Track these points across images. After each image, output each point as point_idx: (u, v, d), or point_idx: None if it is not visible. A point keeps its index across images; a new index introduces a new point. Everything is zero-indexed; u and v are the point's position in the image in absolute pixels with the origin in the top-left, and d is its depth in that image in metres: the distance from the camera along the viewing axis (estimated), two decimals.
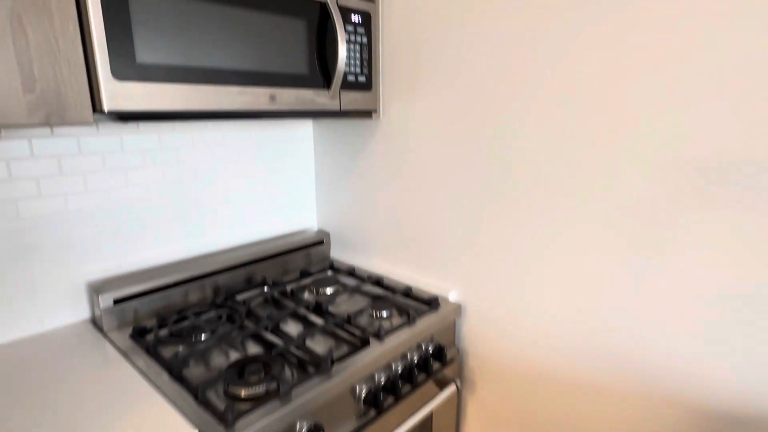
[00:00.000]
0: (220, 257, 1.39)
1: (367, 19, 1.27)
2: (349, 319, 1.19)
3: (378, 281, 1.45)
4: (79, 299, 1.19)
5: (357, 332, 1.16)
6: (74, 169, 1.14)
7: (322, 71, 1.18)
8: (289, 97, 1.11)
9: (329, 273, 1.59)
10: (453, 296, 1.36)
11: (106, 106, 0.84)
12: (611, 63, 0.96)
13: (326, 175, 1.67)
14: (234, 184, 1.48)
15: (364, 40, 1.27)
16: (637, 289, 1.00)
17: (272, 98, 1.08)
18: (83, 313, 1.20)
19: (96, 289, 1.15)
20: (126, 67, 0.85)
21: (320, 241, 1.64)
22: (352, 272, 1.53)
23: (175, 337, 1.11)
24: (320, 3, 1.14)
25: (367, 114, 1.38)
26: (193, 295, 1.33)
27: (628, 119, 0.95)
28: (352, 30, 1.23)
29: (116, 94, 0.84)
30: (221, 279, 1.38)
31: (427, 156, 1.34)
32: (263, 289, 1.44)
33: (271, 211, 1.60)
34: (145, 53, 0.87)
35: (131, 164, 1.24)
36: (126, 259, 1.27)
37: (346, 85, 1.25)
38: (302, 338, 1.09)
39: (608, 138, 0.99)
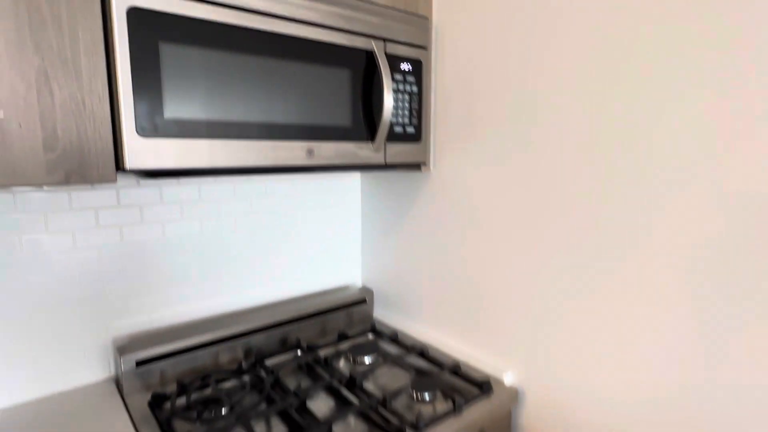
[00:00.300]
0: (255, 315, 1.31)
1: (418, 67, 1.18)
2: (385, 402, 1.04)
3: (423, 352, 1.28)
4: (105, 356, 1.14)
5: (393, 419, 1.00)
6: (111, 222, 1.12)
7: (366, 123, 1.09)
8: (328, 150, 1.03)
9: (370, 336, 1.45)
10: (509, 378, 1.16)
11: (130, 164, 0.78)
12: (687, 94, 0.78)
13: (373, 227, 1.56)
14: (275, 235, 1.41)
15: (414, 89, 1.18)
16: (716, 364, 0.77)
17: (310, 152, 1.00)
18: (109, 370, 1.15)
19: (120, 348, 1.10)
20: (153, 124, 0.80)
21: (362, 300, 1.52)
22: (395, 338, 1.38)
23: (194, 409, 1.01)
24: (366, 51, 1.06)
25: (415, 167, 1.27)
26: (223, 356, 1.24)
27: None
28: (401, 79, 1.14)
29: (141, 151, 0.79)
30: (254, 340, 1.29)
31: (484, 213, 1.19)
32: (296, 353, 1.33)
33: (313, 264, 1.51)
34: (174, 108, 0.82)
35: (169, 216, 1.20)
36: (157, 313, 1.21)
37: (393, 136, 1.15)
38: (329, 425, 0.95)
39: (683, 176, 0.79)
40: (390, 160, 1.15)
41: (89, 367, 1.12)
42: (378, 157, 1.12)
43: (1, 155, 0.69)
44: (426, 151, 1.24)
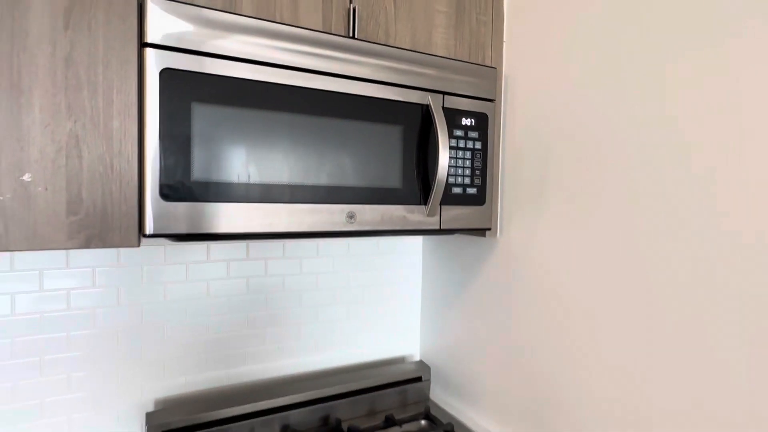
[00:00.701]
0: (297, 386, 1.19)
1: (483, 122, 1.05)
2: None
3: None
4: (139, 417, 1.09)
5: None
6: (156, 279, 1.10)
7: (419, 184, 0.97)
8: (372, 215, 0.92)
9: (422, 423, 1.25)
10: None
11: (152, 229, 0.74)
12: None
13: (434, 294, 1.40)
14: (325, 298, 1.31)
15: (477, 145, 1.04)
16: None
17: (350, 217, 0.90)
18: None
19: (149, 415, 1.04)
20: (179, 187, 0.75)
21: (418, 378, 1.34)
22: (451, 431, 1.18)
23: None
24: (421, 106, 0.96)
25: (478, 232, 1.11)
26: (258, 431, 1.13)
27: None
28: (462, 134, 1.02)
29: (165, 215, 0.74)
30: (292, 416, 1.17)
31: (560, 289, 0.99)
32: None
33: (365, 331, 1.38)
34: (202, 170, 0.77)
35: (215, 275, 1.16)
36: (196, 377, 1.15)
37: (450, 198, 1.01)
38: None
39: None
40: (446, 225, 1.01)
41: (121, 428, 1.07)
42: (431, 222, 0.99)
43: (24, 219, 0.67)
44: (491, 216, 1.08)
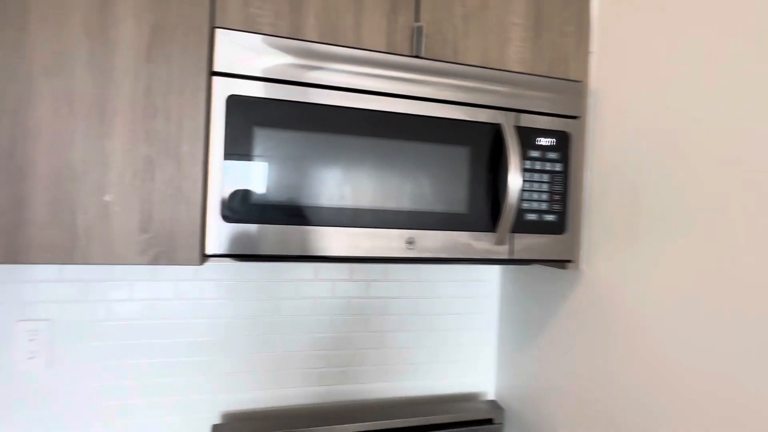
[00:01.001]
0: (356, 414, 1.16)
1: (564, 141, 0.94)
2: None
3: None
4: (204, 429, 1.13)
5: None
6: (232, 294, 1.14)
7: (488, 209, 0.89)
8: (433, 241, 0.86)
9: None
10: None
11: (213, 248, 0.76)
12: None
13: (512, 330, 1.28)
14: (392, 324, 1.27)
15: (558, 167, 0.94)
16: None
17: (410, 243, 0.85)
18: None
19: (216, 427, 1.07)
20: (239, 209, 0.77)
21: (489, 420, 1.23)
22: None
23: None
24: (491, 125, 0.89)
25: (557, 264, 0.99)
26: None
27: None
28: (538, 156, 0.92)
29: (226, 236, 0.77)
30: None
31: (657, 335, 0.84)
32: None
33: (434, 363, 1.30)
34: (262, 193, 0.78)
35: (284, 293, 1.18)
36: (262, 393, 1.17)
37: (523, 226, 0.92)
38: None
39: None
40: (519, 254, 0.92)
41: None
42: (500, 251, 0.90)
43: (103, 236, 0.73)
44: (574, 245, 0.97)
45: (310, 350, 1.20)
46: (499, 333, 1.34)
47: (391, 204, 0.84)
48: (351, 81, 0.83)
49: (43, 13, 0.71)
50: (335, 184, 0.81)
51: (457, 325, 1.32)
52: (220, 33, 0.76)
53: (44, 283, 1.01)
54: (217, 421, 1.13)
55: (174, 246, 0.77)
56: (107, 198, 0.74)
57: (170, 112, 0.76)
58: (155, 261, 0.76)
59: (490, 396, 1.35)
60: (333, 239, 0.81)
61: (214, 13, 0.78)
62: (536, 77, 0.93)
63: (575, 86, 0.96)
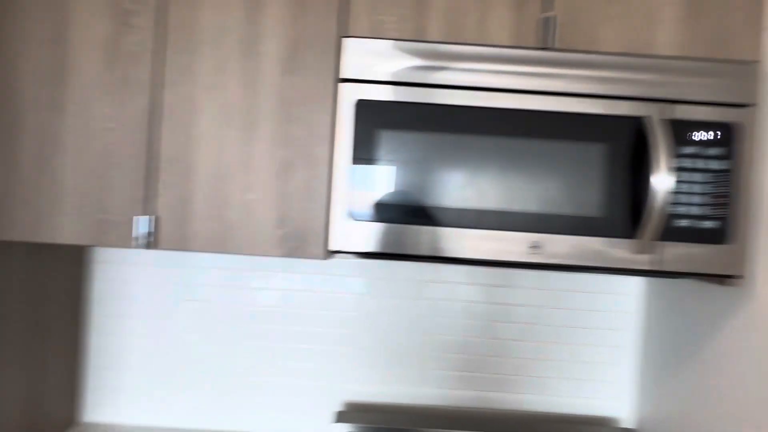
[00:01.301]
0: (474, 424, 1.13)
1: (729, 134, 0.80)
2: None
3: None
4: (327, 413, 1.19)
5: None
6: (356, 289, 1.19)
7: (629, 213, 0.80)
8: (561, 246, 0.80)
9: None
10: None
11: (336, 245, 0.81)
12: None
13: (660, 349, 1.12)
14: (514, 332, 1.20)
15: (719, 165, 0.80)
16: None
17: (534, 247, 0.80)
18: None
19: (340, 414, 1.12)
20: (364, 208, 0.80)
21: None
22: None
23: None
24: (633, 118, 0.80)
25: (715, 278, 0.84)
26: None
27: None
28: (693, 152, 0.80)
29: (348, 234, 0.81)
30: None
31: None
32: None
33: (558, 378, 1.20)
34: (386, 193, 0.80)
35: (403, 293, 1.20)
36: (381, 389, 1.20)
37: (674, 233, 0.80)
38: None
39: None
40: (666, 266, 0.80)
41: (316, 421, 1.19)
42: (641, 261, 0.80)
43: (247, 230, 0.83)
44: (740, 258, 0.81)
45: (427, 351, 1.20)
46: (644, 353, 1.18)
47: (516, 206, 0.80)
48: (476, 79, 0.81)
49: (207, 36, 0.82)
50: (459, 185, 0.80)
51: (586, 340, 1.20)
52: (347, 41, 0.81)
53: (203, 269, 1.17)
54: (340, 408, 1.19)
55: (305, 242, 0.83)
56: (251, 196, 0.83)
57: (303, 119, 0.83)
58: (290, 254, 0.84)
59: (626, 423, 1.20)
60: (454, 241, 0.80)
61: (345, 23, 0.83)
62: (692, 61, 0.80)
63: (745, 69, 0.81)
